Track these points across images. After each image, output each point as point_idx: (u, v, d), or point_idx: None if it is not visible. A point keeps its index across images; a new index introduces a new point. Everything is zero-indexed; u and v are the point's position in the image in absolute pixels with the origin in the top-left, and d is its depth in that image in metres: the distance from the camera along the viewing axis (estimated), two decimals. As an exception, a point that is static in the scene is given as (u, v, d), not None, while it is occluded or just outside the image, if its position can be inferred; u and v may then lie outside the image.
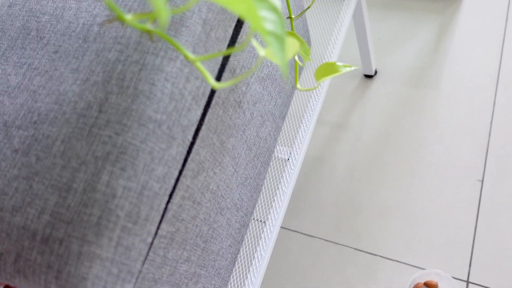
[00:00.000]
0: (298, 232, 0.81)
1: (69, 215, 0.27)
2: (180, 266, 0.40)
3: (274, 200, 0.56)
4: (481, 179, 0.77)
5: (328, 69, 0.44)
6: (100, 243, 0.27)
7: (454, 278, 0.72)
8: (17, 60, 0.39)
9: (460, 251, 0.73)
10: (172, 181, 0.31)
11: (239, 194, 0.50)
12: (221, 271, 0.49)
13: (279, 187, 0.58)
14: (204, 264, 0.44)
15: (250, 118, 0.48)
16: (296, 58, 0.45)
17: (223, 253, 0.48)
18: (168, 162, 0.30)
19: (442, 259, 0.73)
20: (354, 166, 0.85)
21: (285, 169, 0.59)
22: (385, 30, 0.98)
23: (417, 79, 0.91)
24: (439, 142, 0.82)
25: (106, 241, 0.27)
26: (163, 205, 0.31)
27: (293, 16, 0.48)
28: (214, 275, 0.45)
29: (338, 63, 0.44)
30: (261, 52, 0.24)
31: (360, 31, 0.78)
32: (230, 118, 0.41)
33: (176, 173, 0.31)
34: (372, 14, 1.03)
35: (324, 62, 0.62)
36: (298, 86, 0.46)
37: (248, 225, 0.54)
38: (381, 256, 0.75)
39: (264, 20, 0.20)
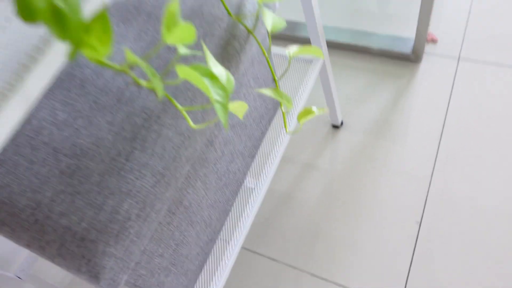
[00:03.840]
0: (263, 255, 1.00)
1: (99, 226, 0.45)
2: (155, 258, 0.57)
3: (239, 222, 0.75)
4: (419, 221, 0.97)
5: (306, 113, 0.62)
6: (116, 248, 0.45)
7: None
8: (62, 99, 0.56)
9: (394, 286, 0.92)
10: (162, 213, 0.48)
11: (209, 213, 0.68)
12: (188, 273, 0.67)
13: (244, 211, 0.76)
14: (174, 263, 0.62)
15: (221, 155, 0.66)
16: (283, 108, 0.62)
17: (191, 258, 0.66)
18: (163, 199, 0.48)
19: None
20: (318, 202, 1.04)
21: (251, 196, 0.77)
22: (352, 88, 1.18)
23: (376, 131, 1.10)
24: (389, 186, 1.02)
25: (120, 247, 0.45)
26: (155, 225, 0.49)
27: (276, 78, 0.66)
28: (181, 274, 0.63)
29: (313, 108, 0.62)
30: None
31: (326, 88, 0.97)
32: (203, 153, 0.59)
33: (165, 207, 0.48)
34: (342, 74, 1.22)
35: (291, 112, 0.81)
36: (288, 130, 0.63)
37: (215, 240, 0.72)
38: (332, 282, 0.94)
39: (214, 93, 0.37)
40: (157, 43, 0.55)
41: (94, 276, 0.44)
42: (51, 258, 0.46)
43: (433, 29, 1.24)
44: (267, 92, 0.57)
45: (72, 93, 0.56)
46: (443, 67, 1.16)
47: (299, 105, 0.83)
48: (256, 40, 0.54)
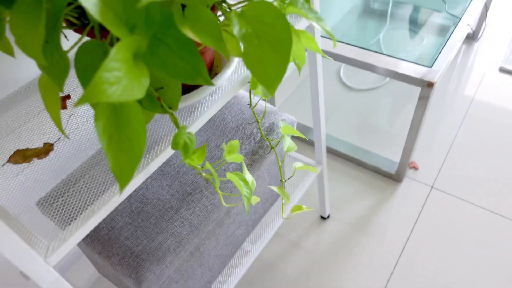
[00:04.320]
0: None
1: (149, 250, 0.69)
2: (173, 284, 0.80)
3: (231, 275, 0.97)
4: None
5: (297, 208, 0.87)
6: (156, 267, 0.69)
7: None
8: (139, 160, 0.82)
9: None
10: (187, 253, 0.73)
11: (213, 261, 0.91)
12: (186, 300, 0.89)
13: (238, 267, 0.98)
14: (189, 285, 0.84)
15: (232, 221, 0.91)
16: (283, 201, 0.88)
17: (199, 284, 0.89)
18: (191, 243, 0.72)
19: None
20: (295, 277, 1.26)
21: (245, 257, 1.00)
22: (343, 190, 1.44)
23: (355, 229, 1.34)
24: (354, 275, 1.23)
25: (158, 268, 0.69)
26: (180, 260, 0.73)
27: (284, 179, 0.92)
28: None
29: (304, 206, 0.87)
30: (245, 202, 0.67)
31: (320, 188, 1.23)
32: (222, 218, 0.84)
33: (190, 249, 0.73)
34: (336, 177, 1.49)
35: (290, 204, 1.06)
36: (283, 216, 0.89)
37: (211, 283, 0.95)
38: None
39: (244, 191, 0.62)
40: (209, 140, 0.82)
41: (138, 282, 0.68)
42: (113, 265, 0.70)
43: (418, 157, 1.52)
44: (275, 189, 0.83)
45: (147, 159, 0.82)
46: (418, 191, 1.42)
47: (296, 198, 1.09)
48: (276, 154, 0.81)
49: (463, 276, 1.22)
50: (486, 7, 1.80)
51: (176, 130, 0.55)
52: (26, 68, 0.76)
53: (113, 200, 0.52)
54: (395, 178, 1.45)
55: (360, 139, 1.60)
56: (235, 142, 0.59)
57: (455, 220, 1.34)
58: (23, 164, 0.60)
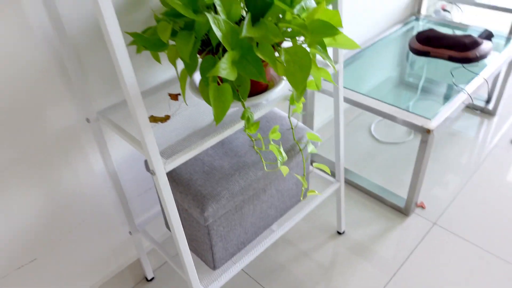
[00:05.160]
0: (252, 279, 1.53)
1: (212, 194, 1.09)
2: (220, 227, 1.17)
3: (257, 245, 1.32)
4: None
5: (311, 192, 1.23)
6: (216, 205, 1.07)
7: None
8: (214, 146, 1.24)
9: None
10: (234, 204, 1.11)
11: (249, 227, 1.27)
12: (228, 249, 1.24)
13: (262, 242, 1.33)
14: (227, 236, 1.21)
15: (266, 200, 1.28)
16: (303, 188, 1.25)
17: (232, 243, 1.24)
18: (238, 198, 1.11)
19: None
20: (303, 280, 1.57)
21: (270, 235, 1.35)
22: (358, 215, 1.76)
23: (361, 248, 1.63)
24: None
25: (216, 206, 1.07)
26: (229, 207, 1.11)
27: (306, 173, 1.29)
28: (225, 247, 1.22)
29: (316, 191, 1.23)
30: (282, 169, 1.06)
31: (338, 204, 1.57)
32: (259, 193, 1.21)
33: (236, 203, 1.11)
34: (354, 205, 1.81)
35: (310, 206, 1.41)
36: (301, 198, 1.26)
37: (245, 245, 1.30)
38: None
39: (279, 158, 1.00)
40: (258, 140, 1.23)
41: (202, 211, 1.06)
42: (188, 200, 1.10)
43: (427, 199, 1.81)
44: (299, 177, 1.20)
45: (218, 145, 1.24)
46: (421, 225, 1.71)
47: (314, 203, 1.44)
48: (302, 155, 1.20)
49: (448, 293, 1.46)
50: (487, 84, 2.13)
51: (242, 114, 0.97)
52: (159, 76, 1.23)
53: (206, 143, 0.94)
54: (404, 212, 1.74)
55: (381, 179, 1.93)
56: (276, 126, 0.99)
57: (449, 253, 1.60)
58: (153, 124, 1.03)
